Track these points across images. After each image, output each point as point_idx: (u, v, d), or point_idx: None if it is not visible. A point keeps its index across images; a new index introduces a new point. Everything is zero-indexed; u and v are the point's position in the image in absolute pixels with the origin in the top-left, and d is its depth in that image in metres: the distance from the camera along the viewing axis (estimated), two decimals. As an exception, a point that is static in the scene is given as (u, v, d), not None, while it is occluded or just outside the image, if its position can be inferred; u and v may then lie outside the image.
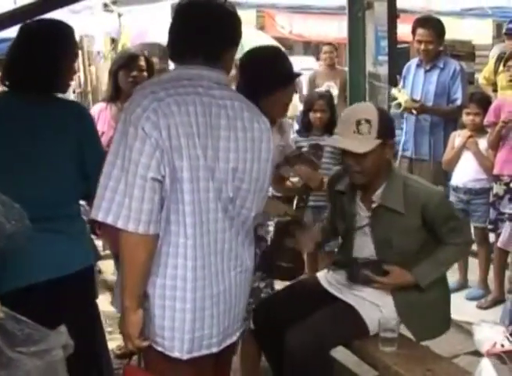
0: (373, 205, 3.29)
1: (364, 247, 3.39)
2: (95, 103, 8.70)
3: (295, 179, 3.62)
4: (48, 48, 2.95)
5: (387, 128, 3.20)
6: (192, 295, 2.44)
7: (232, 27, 2.55)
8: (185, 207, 2.37)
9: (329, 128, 5.15)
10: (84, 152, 3.00)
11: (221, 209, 2.46)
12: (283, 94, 3.33)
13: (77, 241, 3.02)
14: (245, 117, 2.51)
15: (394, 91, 5.81)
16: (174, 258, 2.42)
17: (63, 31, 3.06)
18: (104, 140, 3.74)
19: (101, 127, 4.51)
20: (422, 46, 5.72)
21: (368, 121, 3.14)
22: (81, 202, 3.61)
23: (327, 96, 5.46)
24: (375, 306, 3.31)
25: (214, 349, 2.57)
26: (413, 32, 5.86)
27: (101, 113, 4.68)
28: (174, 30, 2.53)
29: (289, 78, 3.38)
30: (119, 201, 2.30)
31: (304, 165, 3.44)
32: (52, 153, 2.92)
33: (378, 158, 3.19)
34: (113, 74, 4.59)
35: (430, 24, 5.77)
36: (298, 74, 3.47)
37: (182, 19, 2.52)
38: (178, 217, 2.38)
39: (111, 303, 2.75)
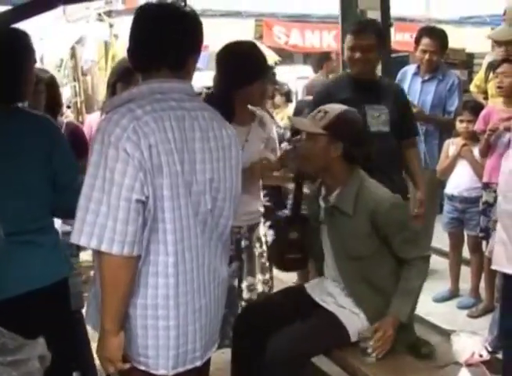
0: (328, 205, 3.37)
1: (327, 249, 3.46)
2: (88, 113, 8.77)
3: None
4: (9, 56, 2.90)
5: (339, 128, 3.27)
6: (175, 312, 2.42)
7: (195, 33, 2.51)
8: (166, 226, 2.35)
9: None
10: (54, 164, 2.97)
11: (201, 222, 2.46)
12: (261, 83, 3.45)
13: (50, 254, 2.99)
14: (215, 127, 2.51)
15: None
16: (154, 278, 2.39)
17: (22, 39, 3.00)
18: None
19: None
20: (426, 56, 5.69)
21: (325, 112, 3.30)
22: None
23: None
24: (355, 314, 3.33)
25: (198, 363, 2.56)
26: (417, 41, 5.81)
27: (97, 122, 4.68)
28: (137, 39, 2.48)
29: (265, 69, 3.53)
30: (101, 224, 2.25)
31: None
32: (21, 167, 2.88)
33: (319, 150, 3.28)
34: (112, 86, 4.59)
35: (437, 35, 5.74)
36: (271, 67, 3.58)
37: (144, 27, 2.47)
38: (159, 235, 2.36)
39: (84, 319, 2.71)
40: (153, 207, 2.31)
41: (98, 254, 2.30)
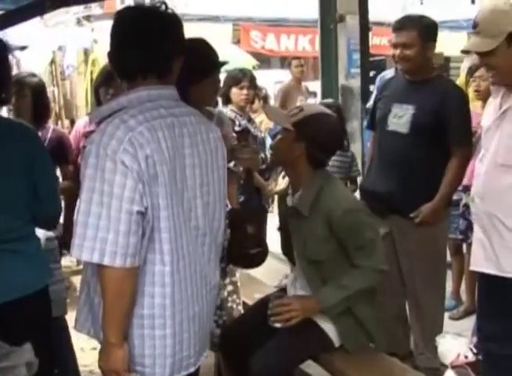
0: (291, 205, 3.38)
1: (294, 251, 3.44)
2: (68, 118, 8.74)
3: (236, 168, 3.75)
4: None
5: (306, 129, 3.24)
6: (171, 321, 2.41)
7: (179, 36, 2.47)
8: (161, 235, 2.33)
9: None
10: (34, 173, 2.94)
11: (194, 229, 2.45)
12: (209, 82, 3.35)
13: (34, 262, 2.97)
14: (202, 130, 2.51)
15: None
16: (150, 287, 2.37)
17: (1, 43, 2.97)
18: None
19: (84, 142, 4.55)
20: None
21: (301, 110, 3.29)
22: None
23: (335, 107, 5.28)
24: (333, 319, 3.29)
25: (192, 369, 2.55)
26: None
27: (85, 128, 4.64)
28: (118, 46, 2.42)
29: (213, 66, 3.40)
30: (102, 238, 2.21)
31: (246, 153, 3.62)
32: (12, 173, 2.86)
33: (285, 145, 3.29)
34: (95, 91, 4.59)
35: None
36: (223, 63, 3.46)
37: (125, 34, 2.40)
38: (155, 245, 2.34)
39: (74, 327, 2.67)
40: (152, 217, 2.30)
41: (99, 267, 2.27)
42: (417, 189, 4.06)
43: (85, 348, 4.36)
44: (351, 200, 3.28)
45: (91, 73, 8.58)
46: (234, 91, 5.30)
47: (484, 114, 3.44)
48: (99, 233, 2.22)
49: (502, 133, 3.14)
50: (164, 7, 2.44)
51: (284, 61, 15.99)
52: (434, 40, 4.14)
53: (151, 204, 2.27)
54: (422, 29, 4.05)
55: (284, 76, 11.69)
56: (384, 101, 4.28)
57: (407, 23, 4.08)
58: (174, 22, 2.46)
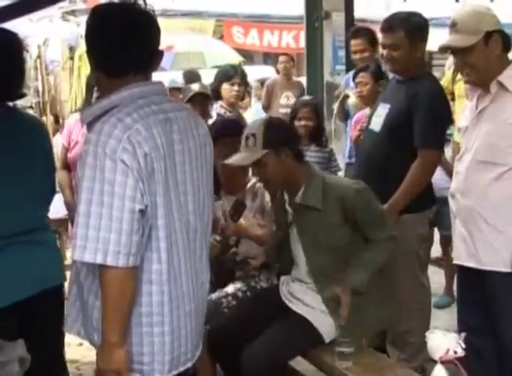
0: (295, 206, 3.38)
1: (297, 251, 3.46)
2: (52, 114, 8.70)
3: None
4: (5, 56, 2.88)
5: (274, 137, 3.29)
6: (169, 317, 2.41)
7: (159, 30, 2.45)
8: (158, 233, 2.33)
9: (315, 136, 5.06)
10: (49, 163, 3.03)
11: (185, 225, 2.46)
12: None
13: (54, 254, 3.03)
14: (192, 125, 2.51)
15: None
16: (148, 285, 2.36)
17: (15, 39, 2.99)
18: (78, 150, 3.79)
19: (75, 136, 4.60)
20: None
21: (253, 135, 3.30)
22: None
23: (312, 104, 5.26)
24: (323, 313, 3.33)
25: (189, 364, 2.57)
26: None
27: (76, 123, 4.63)
28: (112, 44, 2.35)
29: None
30: (105, 238, 2.19)
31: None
32: (24, 166, 2.88)
33: (276, 166, 3.30)
34: (90, 88, 4.57)
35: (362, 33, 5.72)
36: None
37: (120, 32, 2.35)
38: (152, 243, 2.33)
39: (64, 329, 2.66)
40: (151, 215, 2.30)
41: (100, 268, 2.25)
42: (385, 190, 3.83)
43: (72, 344, 4.33)
44: (355, 181, 3.40)
45: (79, 68, 8.53)
46: (225, 87, 5.31)
47: (461, 117, 3.56)
48: (100, 233, 2.20)
49: (480, 132, 3.25)
50: (142, 2, 2.41)
51: (268, 57, 16.03)
52: (423, 39, 4.02)
53: (150, 201, 2.27)
54: (409, 29, 3.92)
55: (268, 72, 11.69)
56: (378, 101, 4.27)
57: (394, 24, 3.97)
58: (154, 18, 2.44)
